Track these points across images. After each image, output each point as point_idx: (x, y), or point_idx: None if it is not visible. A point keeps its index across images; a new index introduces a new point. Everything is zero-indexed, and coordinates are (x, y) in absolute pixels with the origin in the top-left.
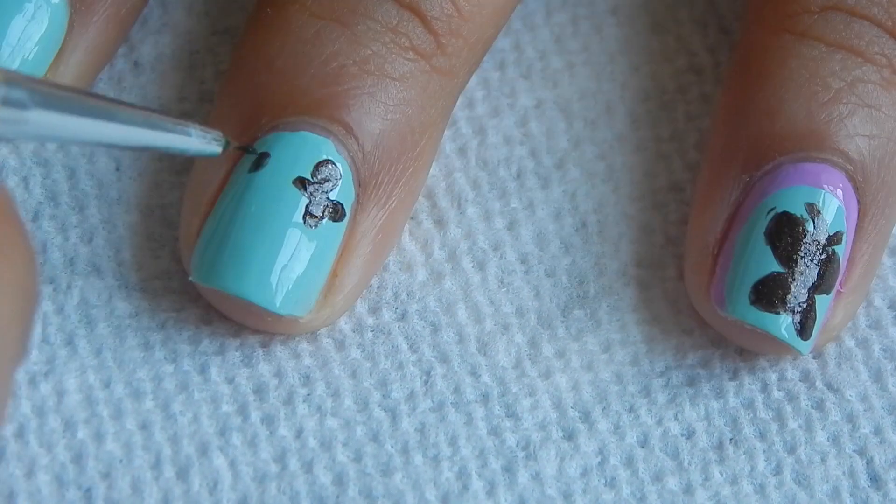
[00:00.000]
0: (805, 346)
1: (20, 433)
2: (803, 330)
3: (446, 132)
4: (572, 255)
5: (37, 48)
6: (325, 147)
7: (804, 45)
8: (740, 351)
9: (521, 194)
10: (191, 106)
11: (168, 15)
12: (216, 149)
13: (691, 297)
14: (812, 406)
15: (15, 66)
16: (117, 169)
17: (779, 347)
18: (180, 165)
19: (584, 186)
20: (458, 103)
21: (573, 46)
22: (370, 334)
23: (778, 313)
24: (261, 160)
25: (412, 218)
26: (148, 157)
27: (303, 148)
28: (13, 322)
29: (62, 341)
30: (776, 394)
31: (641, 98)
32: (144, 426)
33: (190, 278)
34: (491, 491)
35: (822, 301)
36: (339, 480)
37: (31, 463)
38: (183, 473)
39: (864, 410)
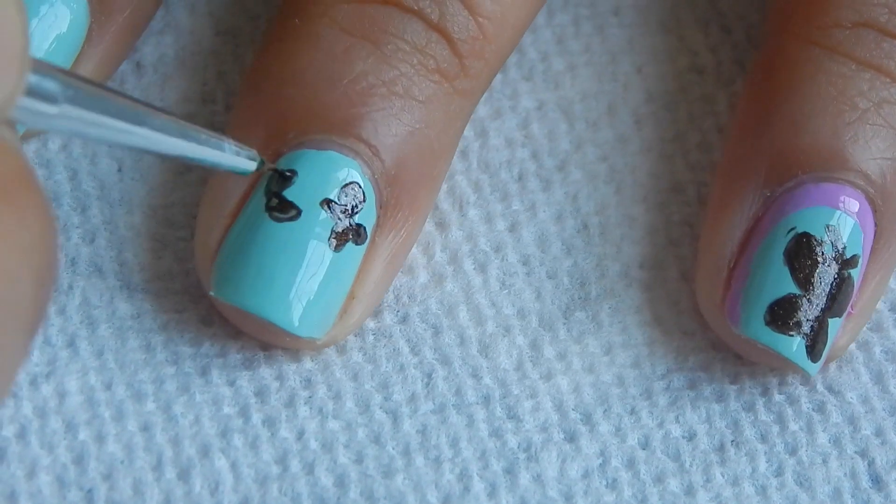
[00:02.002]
0: (814, 368)
1: (21, 434)
2: (814, 352)
3: None
4: (574, 257)
5: (57, 59)
6: (352, 168)
7: (834, 61)
8: (740, 355)
9: (523, 196)
10: (194, 107)
11: (170, 16)
12: (249, 167)
13: (702, 307)
14: (813, 409)
15: None
16: (119, 170)
17: (785, 364)
18: (182, 167)
19: (585, 188)
20: None
21: (575, 47)
22: (371, 337)
23: (791, 335)
24: (286, 178)
25: None
26: (150, 158)
27: (330, 168)
28: (25, 281)
29: (64, 343)
30: (777, 397)
31: (643, 99)
32: (146, 428)
33: (210, 293)
34: (492, 493)
35: (833, 324)
36: (341, 482)
37: (33, 464)
38: (184, 475)
39: (866, 412)
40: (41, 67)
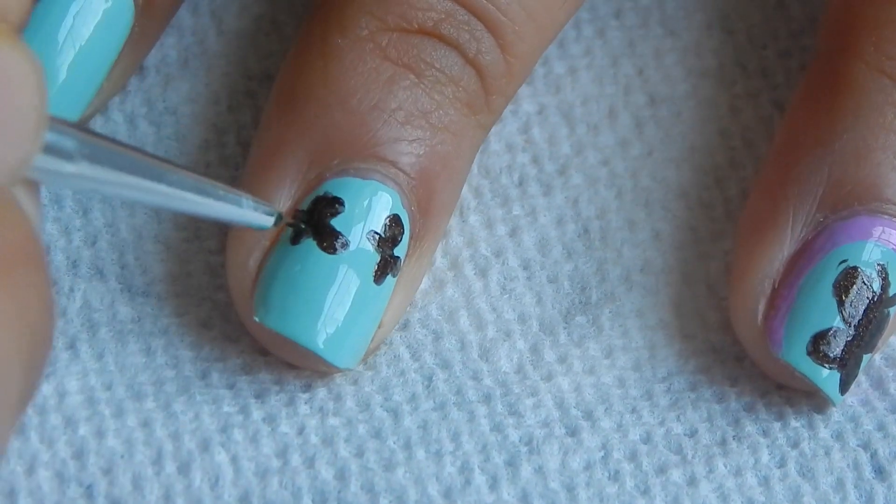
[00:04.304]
0: (840, 399)
1: (21, 430)
2: (844, 384)
3: None
4: (574, 261)
5: (98, 55)
6: (395, 200)
7: None
8: (740, 358)
9: (524, 201)
10: (197, 109)
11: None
12: (267, 222)
13: (736, 321)
14: (813, 409)
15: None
16: None
17: (809, 389)
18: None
19: (586, 192)
20: None
21: (575, 51)
22: None
23: (830, 368)
24: (334, 206)
25: None
26: None
27: (376, 199)
28: (14, 362)
29: (64, 345)
30: (777, 398)
31: (645, 102)
32: (145, 423)
33: (255, 318)
34: (494, 485)
35: (865, 359)
36: (342, 475)
37: (32, 460)
38: (184, 469)
39: (867, 412)
40: (57, 125)
